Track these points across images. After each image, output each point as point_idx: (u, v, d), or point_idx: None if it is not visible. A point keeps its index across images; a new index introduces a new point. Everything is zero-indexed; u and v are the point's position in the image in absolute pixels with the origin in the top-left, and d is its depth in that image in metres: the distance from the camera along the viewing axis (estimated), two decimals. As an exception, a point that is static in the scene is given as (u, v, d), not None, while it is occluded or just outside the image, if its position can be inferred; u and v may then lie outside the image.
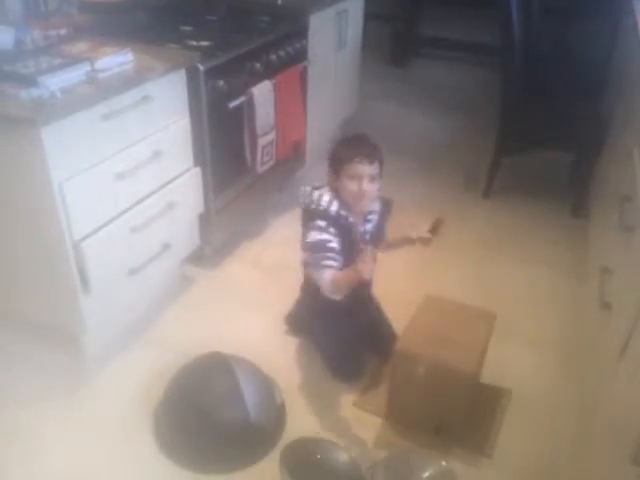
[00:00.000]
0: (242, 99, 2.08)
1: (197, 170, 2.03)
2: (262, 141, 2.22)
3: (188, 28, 2.19)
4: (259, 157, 2.25)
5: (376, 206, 1.76)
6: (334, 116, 3.13)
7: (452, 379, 1.55)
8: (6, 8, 1.84)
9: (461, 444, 1.63)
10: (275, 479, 1.44)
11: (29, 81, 1.48)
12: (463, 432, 1.63)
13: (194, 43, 2.03)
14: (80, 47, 1.73)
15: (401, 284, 2.19)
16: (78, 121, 1.52)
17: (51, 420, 1.66)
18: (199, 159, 2.04)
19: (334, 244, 1.62)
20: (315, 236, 1.63)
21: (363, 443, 1.64)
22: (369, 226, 1.74)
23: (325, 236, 1.62)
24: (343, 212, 1.65)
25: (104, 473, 1.55)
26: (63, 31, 1.84)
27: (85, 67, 1.60)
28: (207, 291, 2.20)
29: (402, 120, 3.72)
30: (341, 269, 1.60)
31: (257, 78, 2.16)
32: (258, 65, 2.17)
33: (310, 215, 1.68)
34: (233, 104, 2.05)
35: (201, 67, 1.91)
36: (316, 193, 1.69)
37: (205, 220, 2.17)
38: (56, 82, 1.50)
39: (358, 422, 1.70)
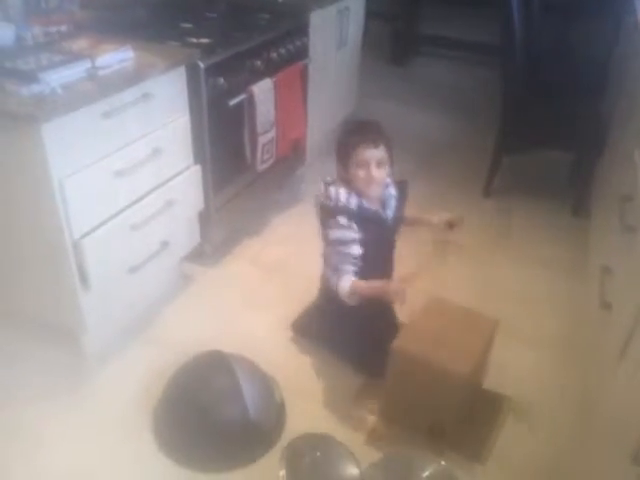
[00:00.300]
0: (242, 97, 2.08)
1: (197, 168, 2.03)
2: (262, 139, 2.22)
3: (188, 25, 2.18)
4: (259, 155, 2.24)
5: (392, 190, 1.75)
6: (334, 114, 3.12)
7: (445, 381, 1.54)
8: (7, 4, 1.83)
9: (455, 448, 1.62)
10: (275, 477, 1.44)
11: (30, 77, 1.48)
12: (458, 436, 1.62)
13: (194, 40, 2.02)
14: (81, 44, 1.73)
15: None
16: (78, 118, 1.52)
17: (51, 418, 1.66)
18: (199, 157, 2.03)
19: (354, 249, 1.62)
20: (336, 234, 1.63)
21: (361, 441, 1.64)
22: (390, 211, 1.74)
23: (347, 235, 1.61)
24: (365, 204, 1.64)
25: (103, 471, 1.55)
26: (64, 28, 1.84)
27: (86, 64, 1.59)
28: (207, 289, 2.20)
29: (402, 119, 3.71)
30: (360, 271, 1.61)
31: (257, 76, 2.16)
32: (259, 63, 2.17)
33: (329, 212, 1.66)
34: (233, 102, 2.04)
35: (201, 64, 1.91)
36: (332, 189, 1.66)
37: (205, 218, 2.16)
38: (57, 79, 1.50)
39: (357, 420, 1.69)
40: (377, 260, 1.76)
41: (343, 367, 1.85)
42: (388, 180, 1.75)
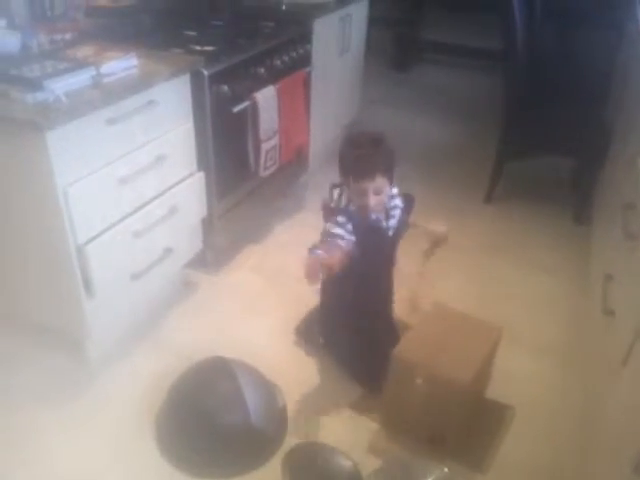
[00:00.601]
0: (246, 104, 2.09)
1: (200, 174, 2.04)
2: (265, 146, 2.23)
3: (192, 33, 2.19)
4: (262, 162, 2.25)
5: (398, 202, 1.77)
6: (337, 121, 3.13)
7: (446, 389, 1.53)
8: (13, 12, 1.85)
9: (457, 457, 1.60)
10: (277, 484, 1.44)
11: (35, 85, 1.49)
12: (459, 445, 1.61)
13: (198, 48, 2.04)
14: (85, 51, 1.74)
15: (402, 288, 2.18)
16: (83, 125, 1.53)
17: (53, 424, 1.67)
18: (202, 164, 2.04)
19: (342, 242, 1.61)
20: (330, 227, 1.65)
21: (363, 449, 1.63)
22: (392, 221, 1.75)
23: (338, 231, 1.63)
24: (361, 213, 1.66)
25: (106, 477, 1.55)
26: (69, 35, 1.86)
27: (90, 71, 1.60)
28: (209, 296, 2.20)
29: (404, 125, 3.72)
30: (357, 285, 1.65)
31: (261, 83, 2.17)
32: (262, 70, 2.18)
33: (330, 212, 1.70)
34: (237, 109, 2.05)
35: (205, 72, 1.92)
36: (336, 192, 1.71)
37: (208, 225, 2.17)
38: (61, 86, 1.51)
39: (359, 427, 1.69)
40: (375, 273, 1.77)
41: (345, 372, 1.85)
42: (395, 191, 1.76)
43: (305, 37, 2.49)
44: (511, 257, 2.48)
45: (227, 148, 2.12)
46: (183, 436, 1.60)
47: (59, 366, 1.84)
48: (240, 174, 2.25)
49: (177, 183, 1.94)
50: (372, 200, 1.62)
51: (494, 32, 2.80)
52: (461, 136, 3.65)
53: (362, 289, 1.75)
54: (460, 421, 1.60)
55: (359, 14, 3.07)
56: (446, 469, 1.49)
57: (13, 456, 1.58)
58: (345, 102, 3.20)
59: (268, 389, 1.72)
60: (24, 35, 1.75)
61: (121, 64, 1.68)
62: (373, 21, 3.35)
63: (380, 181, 1.63)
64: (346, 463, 1.51)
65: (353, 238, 1.64)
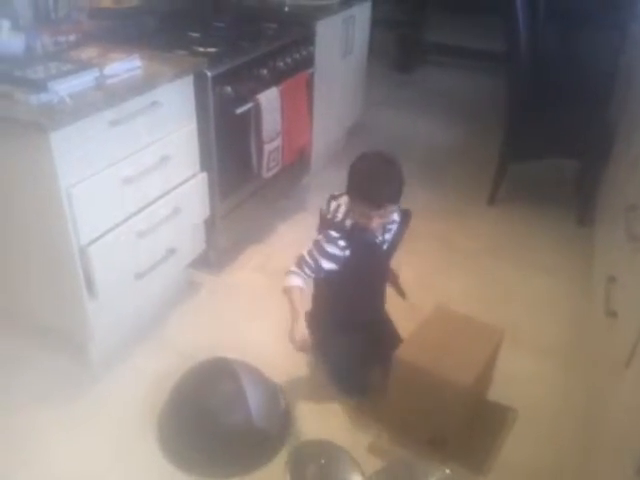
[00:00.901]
0: (249, 105, 2.09)
1: (203, 175, 2.04)
2: (268, 147, 2.23)
3: (196, 34, 2.20)
4: (265, 163, 2.26)
5: (396, 216, 1.75)
6: (340, 122, 3.14)
7: (447, 391, 1.53)
8: (17, 14, 1.86)
9: (458, 459, 1.60)
10: (279, 484, 1.44)
11: (39, 86, 1.49)
12: (461, 447, 1.61)
13: (202, 49, 2.04)
14: (89, 53, 1.75)
15: (404, 289, 2.18)
16: (87, 126, 1.54)
17: (55, 424, 1.67)
18: (205, 164, 2.05)
19: (325, 263, 1.64)
20: (321, 240, 1.64)
21: (363, 449, 1.63)
22: (388, 235, 1.74)
23: (329, 248, 1.63)
24: (358, 228, 1.65)
25: (108, 478, 1.55)
26: (72, 37, 1.87)
27: (94, 73, 1.61)
28: (212, 296, 2.21)
29: (407, 126, 3.73)
30: (349, 296, 1.70)
31: (264, 85, 2.17)
32: (265, 72, 2.19)
33: (326, 224, 1.68)
34: (240, 110, 2.06)
35: (209, 73, 1.92)
36: (334, 203, 1.68)
37: (211, 225, 2.18)
38: (65, 88, 1.52)
39: (360, 428, 1.69)
40: (368, 286, 1.78)
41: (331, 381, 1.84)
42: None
43: (308, 39, 2.49)
44: (514, 259, 2.48)
45: (230, 149, 2.13)
46: (185, 436, 1.61)
47: (61, 367, 1.84)
48: (243, 175, 2.26)
49: (180, 184, 1.95)
50: (375, 223, 1.62)
51: (497, 34, 2.80)
52: (464, 138, 3.65)
53: (354, 300, 1.76)
54: (462, 423, 1.60)
55: (362, 16, 3.08)
56: (448, 470, 1.49)
57: (15, 456, 1.58)
58: (348, 104, 3.20)
59: (270, 389, 1.72)
60: (28, 37, 1.76)
61: (125, 65, 1.69)
62: (376, 23, 3.36)
63: (388, 208, 1.62)
64: (349, 462, 1.51)
65: (347, 253, 1.64)
